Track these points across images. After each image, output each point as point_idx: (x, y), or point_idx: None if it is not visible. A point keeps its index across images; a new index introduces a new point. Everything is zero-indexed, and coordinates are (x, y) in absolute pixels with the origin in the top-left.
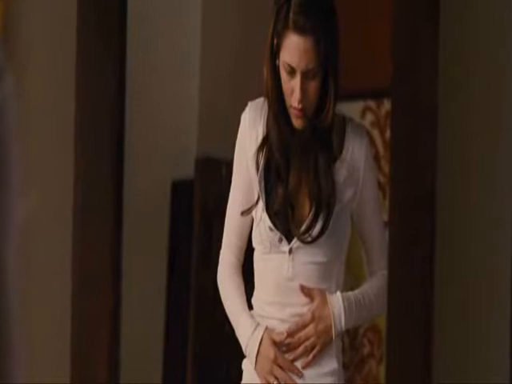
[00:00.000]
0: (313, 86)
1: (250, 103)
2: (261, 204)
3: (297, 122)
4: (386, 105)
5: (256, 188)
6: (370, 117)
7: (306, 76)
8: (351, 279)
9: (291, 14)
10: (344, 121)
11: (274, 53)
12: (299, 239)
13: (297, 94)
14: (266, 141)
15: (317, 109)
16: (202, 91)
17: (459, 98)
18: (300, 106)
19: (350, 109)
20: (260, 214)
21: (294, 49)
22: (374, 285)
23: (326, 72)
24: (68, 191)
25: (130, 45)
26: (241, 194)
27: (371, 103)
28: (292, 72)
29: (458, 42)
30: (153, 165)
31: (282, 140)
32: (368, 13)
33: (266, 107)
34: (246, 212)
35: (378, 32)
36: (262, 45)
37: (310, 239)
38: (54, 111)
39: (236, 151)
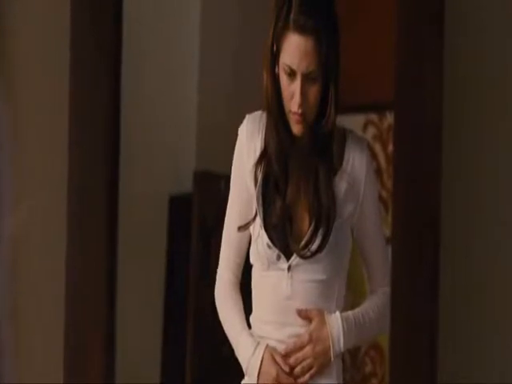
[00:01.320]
0: (313, 90)
1: (247, 116)
2: (258, 220)
3: (296, 128)
4: (389, 118)
5: (254, 203)
6: (372, 130)
7: (306, 79)
8: (352, 296)
9: (292, 14)
10: (344, 133)
11: (274, 56)
12: (298, 254)
13: (297, 98)
14: (264, 154)
15: (317, 116)
16: (200, 104)
17: (464, 111)
18: (300, 111)
19: (352, 122)
20: (258, 230)
21: (294, 49)
22: (375, 303)
23: (327, 77)
24: (62, 204)
25: (125, 56)
26: (238, 209)
27: (373, 116)
28: (292, 74)
29: (463, 54)
30: (150, 179)
31: (281, 149)
32: (370, 24)
33: (264, 120)
34: (243, 228)
35: (381, 43)
36: (262, 53)
37: (309, 254)
38: (47, 121)
39: (233, 165)
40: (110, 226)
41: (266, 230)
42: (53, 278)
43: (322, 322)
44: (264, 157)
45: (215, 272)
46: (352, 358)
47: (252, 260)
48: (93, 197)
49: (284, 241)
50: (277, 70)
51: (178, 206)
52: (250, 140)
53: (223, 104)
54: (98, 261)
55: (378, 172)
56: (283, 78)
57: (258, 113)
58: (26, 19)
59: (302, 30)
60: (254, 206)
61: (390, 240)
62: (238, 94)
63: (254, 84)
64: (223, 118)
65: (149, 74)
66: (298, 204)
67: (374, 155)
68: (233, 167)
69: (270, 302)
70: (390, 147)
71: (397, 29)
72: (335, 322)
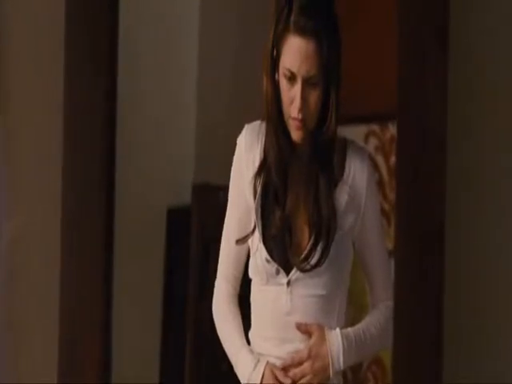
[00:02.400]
0: (314, 96)
1: (246, 126)
2: (257, 233)
3: (296, 135)
4: (391, 129)
5: (252, 215)
6: (373, 141)
7: (306, 83)
8: (353, 309)
9: (292, 16)
10: (345, 143)
11: (274, 61)
12: (298, 268)
13: (297, 103)
14: (263, 164)
15: (318, 123)
16: (198, 114)
17: (469, 122)
18: (300, 116)
19: (353, 133)
20: (256, 244)
21: (294, 52)
22: (377, 318)
23: (328, 82)
24: (57, 216)
25: (122, 66)
26: (236, 221)
27: (375, 127)
28: (292, 79)
29: (468, 62)
30: (147, 191)
31: (281, 157)
32: (371, 34)
33: (263, 130)
34: (242, 241)
35: (383, 52)
36: (261, 60)
37: (308, 267)
38: (41, 133)
39: (232, 176)
40: (106, 239)
41: (265, 244)
42: (49, 287)
43: (322, 338)
44: (263, 167)
45: (214, 285)
46: (353, 373)
47: (251, 274)
48: (89, 208)
49: (283, 254)
50: (277, 76)
51: (177, 219)
52: (248, 151)
53: (222, 115)
54: (94, 274)
55: (380, 184)
56: (283, 83)
57: (257, 122)
58: (19, 21)
59: (302, 31)
60: (253, 218)
61: (392, 253)
62: (237, 104)
63: (253, 95)
64: (222, 129)
65: (147, 85)
66: (297, 215)
67: (375, 167)
68: (231, 178)
69: (269, 318)
70: (393, 159)
71: (398, 38)
72: (335, 338)
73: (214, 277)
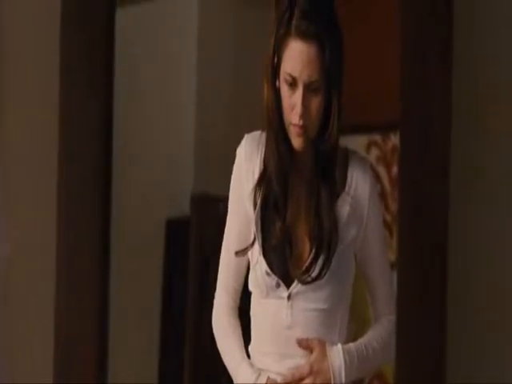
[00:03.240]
0: (315, 102)
1: (246, 136)
2: (257, 246)
3: (297, 142)
4: (393, 139)
5: (252, 228)
6: (375, 152)
7: (308, 89)
8: (355, 323)
9: (294, 21)
10: (347, 153)
11: (275, 68)
12: (298, 280)
13: (298, 109)
14: (263, 175)
15: (319, 131)
16: (197, 125)
17: (474, 132)
18: (301, 122)
19: (354, 143)
20: (256, 256)
21: (296, 56)
22: (380, 333)
23: (330, 89)
24: (53, 225)
25: (119, 75)
26: (236, 233)
27: (377, 137)
28: (293, 84)
29: (473, 71)
30: (145, 202)
31: (282, 165)
32: (373, 40)
33: (263, 140)
34: (241, 253)
35: (384, 60)
36: (261, 64)
37: (309, 280)
38: (36, 145)
39: (231, 187)
40: (103, 248)
41: (265, 257)
42: (45, 300)
43: (323, 354)
44: (263, 178)
45: (214, 298)
46: None
47: (250, 287)
48: (85, 218)
49: (284, 267)
50: (277, 83)
51: (176, 230)
52: (248, 162)
53: (222, 123)
54: (91, 287)
55: (382, 195)
56: (284, 89)
57: (257, 133)
58: (15, 22)
59: (304, 35)
60: (253, 230)
61: (394, 265)
62: (237, 113)
63: (253, 103)
64: (221, 139)
65: (145, 94)
66: (298, 226)
67: (377, 177)
68: (231, 189)
69: (269, 332)
70: (395, 169)
71: (401, 46)
72: (337, 354)
73: (214, 290)
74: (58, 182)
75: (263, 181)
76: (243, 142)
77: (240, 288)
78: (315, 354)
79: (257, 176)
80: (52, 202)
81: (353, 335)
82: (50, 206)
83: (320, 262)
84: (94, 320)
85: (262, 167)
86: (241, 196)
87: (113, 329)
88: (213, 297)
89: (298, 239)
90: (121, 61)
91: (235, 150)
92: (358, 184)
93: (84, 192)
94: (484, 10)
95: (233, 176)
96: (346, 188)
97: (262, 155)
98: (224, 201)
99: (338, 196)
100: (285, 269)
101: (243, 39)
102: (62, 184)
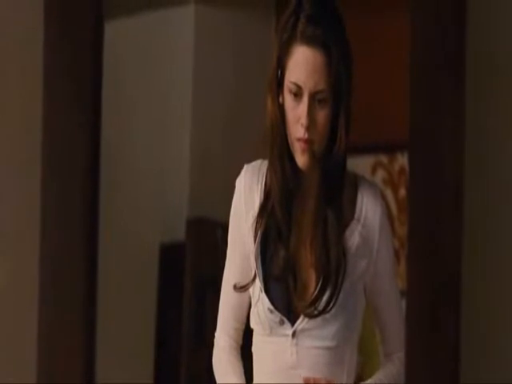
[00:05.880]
0: (322, 115)
1: (245, 166)
2: (258, 282)
3: (302, 160)
4: (400, 159)
5: (253, 263)
6: (381, 173)
7: (314, 100)
8: (363, 357)
9: (299, 26)
10: (355, 179)
11: (279, 80)
12: (303, 313)
13: (303, 120)
14: (264, 206)
15: (326, 149)
16: (193, 146)
17: (490, 150)
18: (306, 136)
19: (359, 164)
20: (258, 293)
21: (301, 64)
22: (391, 372)
23: (338, 101)
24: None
25: (109, 96)
26: (237, 267)
27: (383, 158)
28: (298, 94)
29: (487, 88)
30: (139, 225)
31: (285, 186)
32: (380, 59)
33: (263, 169)
34: (242, 289)
35: (392, 78)
36: (260, 84)
37: (316, 313)
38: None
39: (231, 220)
40: (89, 279)
41: (267, 293)
42: (29, 328)
43: None
44: (265, 208)
45: (211, 331)
46: None
47: (252, 324)
48: (70, 246)
49: (287, 302)
50: (281, 99)
51: (170, 256)
52: (248, 193)
53: (218, 145)
54: (76, 320)
55: (389, 220)
56: (288, 100)
57: (257, 162)
58: None
59: (309, 41)
60: (253, 265)
61: (403, 295)
62: (233, 134)
63: (248, 126)
64: (217, 161)
65: (138, 118)
66: (302, 255)
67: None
68: (230, 222)
69: (272, 371)
70: (402, 192)
71: (410, 63)
72: None
73: (211, 320)
74: (41, 206)
75: (265, 210)
76: (242, 173)
77: (242, 327)
78: None
79: (257, 207)
80: (36, 225)
81: (360, 368)
82: (34, 230)
83: (327, 294)
84: (81, 356)
85: (263, 197)
86: (241, 228)
87: (102, 363)
88: (209, 329)
89: (302, 269)
90: (109, 84)
91: (233, 171)
92: (368, 211)
93: (70, 216)
94: (497, 29)
95: (232, 208)
96: (356, 215)
97: (263, 185)
98: (222, 226)
99: (346, 225)
100: (289, 304)
101: (240, 65)
102: (48, 209)
